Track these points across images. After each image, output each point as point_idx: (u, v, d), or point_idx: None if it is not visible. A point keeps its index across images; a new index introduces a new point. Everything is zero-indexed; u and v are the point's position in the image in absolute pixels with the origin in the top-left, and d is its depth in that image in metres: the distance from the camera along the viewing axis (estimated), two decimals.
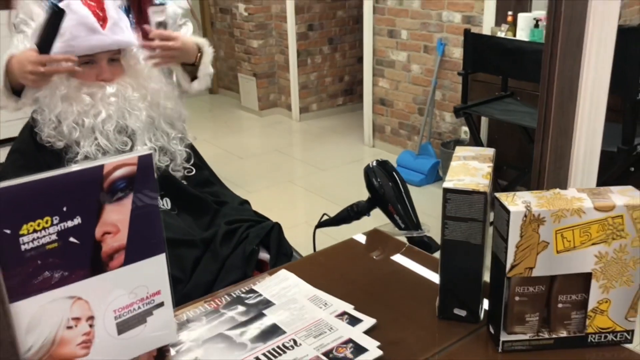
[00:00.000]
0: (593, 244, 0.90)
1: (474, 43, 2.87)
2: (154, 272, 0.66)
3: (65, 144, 1.49)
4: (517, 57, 2.67)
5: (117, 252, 0.63)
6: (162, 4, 1.60)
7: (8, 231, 0.55)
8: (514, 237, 0.90)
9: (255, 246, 1.49)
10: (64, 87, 1.49)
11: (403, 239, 1.39)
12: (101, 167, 0.58)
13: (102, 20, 1.52)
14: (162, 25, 1.56)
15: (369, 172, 1.44)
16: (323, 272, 1.22)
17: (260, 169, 4.32)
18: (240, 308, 1.07)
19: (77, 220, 0.59)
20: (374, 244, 1.34)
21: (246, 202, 1.79)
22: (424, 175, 3.86)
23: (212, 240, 1.50)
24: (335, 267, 1.24)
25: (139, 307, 0.67)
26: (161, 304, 0.68)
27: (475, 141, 2.94)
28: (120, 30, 1.54)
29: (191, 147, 1.74)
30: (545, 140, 0.97)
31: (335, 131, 5.06)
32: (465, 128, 3.76)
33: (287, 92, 5.35)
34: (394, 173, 1.45)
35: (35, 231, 0.57)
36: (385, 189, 1.41)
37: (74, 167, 0.58)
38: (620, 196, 0.91)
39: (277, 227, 1.56)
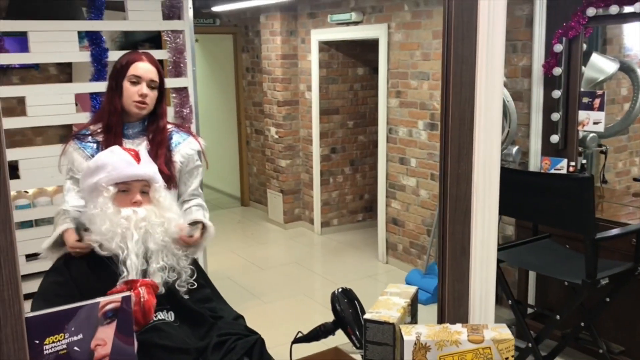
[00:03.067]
0: None
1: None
2: None
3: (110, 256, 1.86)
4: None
5: (104, 358, 0.96)
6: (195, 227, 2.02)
7: (37, 341, 0.89)
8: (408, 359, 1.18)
9: (239, 357, 1.78)
10: (107, 208, 1.88)
11: (358, 357, 1.66)
12: (98, 303, 0.94)
13: (137, 159, 1.95)
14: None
15: (333, 299, 1.74)
16: None
17: (278, 281, 4.62)
18: None
19: (80, 336, 0.94)
20: (332, 359, 1.62)
21: (240, 317, 2.09)
22: (430, 294, 4.08)
23: (205, 350, 1.81)
24: None
25: None
26: None
27: (505, 292, 2.76)
28: (151, 166, 1.97)
29: (196, 265, 2.07)
30: (444, 286, 1.28)
31: (353, 246, 5.37)
32: None
33: (311, 208, 5.76)
34: (355, 301, 1.75)
35: (53, 342, 0.91)
36: (346, 313, 1.71)
37: (81, 303, 0.93)
38: (491, 332, 1.19)
39: (260, 341, 1.86)
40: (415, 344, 1.17)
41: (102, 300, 0.94)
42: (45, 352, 0.91)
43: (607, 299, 2.70)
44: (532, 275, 3.40)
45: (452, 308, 1.30)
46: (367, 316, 1.26)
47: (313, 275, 4.83)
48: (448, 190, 1.28)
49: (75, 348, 0.93)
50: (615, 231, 2.53)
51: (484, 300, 1.31)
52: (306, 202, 5.86)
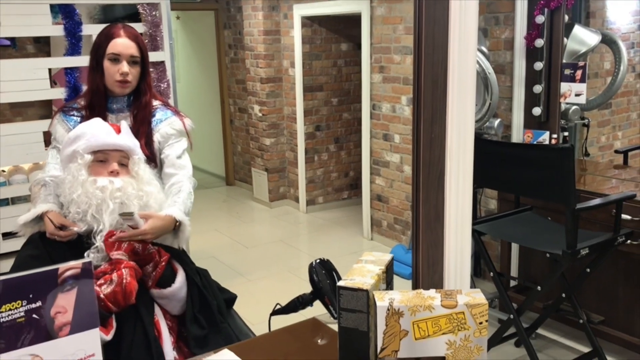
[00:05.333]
0: (443, 333, 1.17)
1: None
2: (90, 340, 0.96)
3: (86, 230, 1.81)
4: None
5: (65, 326, 0.94)
6: (130, 213, 1.79)
7: None
8: (381, 326, 1.17)
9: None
10: (79, 175, 1.83)
11: (336, 327, 1.65)
12: (57, 269, 0.91)
13: (118, 130, 1.91)
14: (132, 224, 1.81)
15: (311, 269, 1.73)
16: (261, 352, 1.49)
17: (263, 259, 4.62)
18: None
19: (39, 303, 0.91)
20: (310, 331, 1.61)
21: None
22: None
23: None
24: (272, 349, 1.51)
25: None
26: None
27: (487, 264, 2.81)
28: (131, 138, 1.93)
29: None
30: (418, 253, 1.26)
31: (338, 223, 5.37)
32: None
33: (296, 186, 5.73)
34: (333, 271, 1.73)
35: (10, 310, 0.89)
36: (323, 284, 1.69)
37: (39, 270, 0.90)
38: (465, 297, 1.18)
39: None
40: (388, 309, 1.16)
41: (60, 266, 0.92)
42: (1, 319, 0.89)
43: (588, 270, 2.72)
44: (514, 248, 3.42)
45: (427, 274, 1.29)
46: (340, 283, 1.25)
47: (298, 253, 4.82)
48: (421, 155, 1.26)
49: (34, 316, 0.91)
50: (595, 201, 2.53)
51: (459, 267, 1.30)
52: (291, 181, 5.83)
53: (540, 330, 3.15)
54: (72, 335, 0.94)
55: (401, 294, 1.19)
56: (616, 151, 3.70)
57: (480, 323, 1.17)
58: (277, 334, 1.59)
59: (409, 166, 4.38)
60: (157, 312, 1.82)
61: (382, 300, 1.18)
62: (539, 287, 2.59)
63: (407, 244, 4.31)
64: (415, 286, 1.32)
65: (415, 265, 1.29)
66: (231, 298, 2.10)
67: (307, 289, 1.77)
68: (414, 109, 1.28)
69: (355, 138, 5.72)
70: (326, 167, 5.70)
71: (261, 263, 4.51)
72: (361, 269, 1.32)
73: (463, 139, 1.29)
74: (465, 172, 1.30)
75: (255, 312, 2.42)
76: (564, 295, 2.79)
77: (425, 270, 1.28)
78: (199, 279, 1.92)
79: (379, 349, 1.17)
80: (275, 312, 1.83)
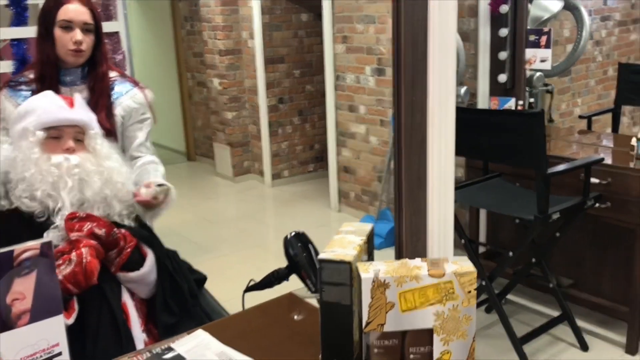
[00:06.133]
0: (431, 304, 1.12)
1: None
2: (53, 328, 0.87)
3: (41, 211, 1.69)
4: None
5: (24, 314, 0.85)
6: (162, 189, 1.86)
7: None
8: (366, 298, 1.11)
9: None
10: (31, 153, 1.70)
11: (313, 301, 1.60)
12: (12, 251, 0.81)
13: (71, 104, 1.79)
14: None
15: (286, 243, 1.66)
16: (236, 331, 1.42)
17: (230, 234, 4.53)
18: None
19: None
20: (286, 306, 1.55)
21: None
22: (382, 238, 4.08)
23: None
24: (248, 327, 1.45)
25: (41, 356, 0.88)
26: (59, 354, 0.90)
27: (458, 231, 2.80)
28: (86, 112, 1.81)
29: (141, 223, 1.94)
30: (401, 221, 1.21)
31: (305, 196, 5.31)
32: None
33: (260, 160, 5.63)
34: (309, 244, 1.67)
35: None
36: (299, 257, 1.63)
37: None
38: (452, 265, 1.14)
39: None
40: (373, 281, 1.10)
41: (16, 248, 0.82)
42: None
43: (557, 234, 2.74)
44: (482, 215, 3.43)
45: (410, 243, 1.24)
46: (321, 256, 1.19)
47: (266, 228, 4.75)
48: (402, 120, 1.19)
49: None
50: (564, 166, 2.53)
51: (443, 234, 1.25)
52: (255, 155, 5.72)
53: (509, 296, 3.18)
54: (33, 324, 0.85)
55: (386, 265, 1.14)
56: (580, 116, 3.73)
57: (469, 292, 1.13)
58: (252, 311, 1.52)
59: (375, 137, 4.33)
60: (124, 293, 1.72)
61: (367, 271, 1.12)
62: (510, 253, 2.59)
63: (376, 215, 4.28)
64: (398, 256, 1.27)
65: (398, 234, 1.24)
66: (201, 279, 2.02)
67: (276, 263, 1.71)
68: (394, 72, 1.21)
69: (320, 110, 5.64)
70: (291, 140, 5.61)
71: (228, 239, 4.43)
72: (342, 240, 1.26)
73: (445, 103, 1.23)
74: (448, 136, 1.24)
75: (226, 289, 2.34)
76: (534, 260, 2.81)
77: (409, 239, 1.23)
78: (169, 263, 1.83)
79: (364, 323, 1.12)
80: (249, 289, 1.76)
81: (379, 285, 1.11)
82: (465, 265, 1.14)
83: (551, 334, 2.91)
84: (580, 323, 2.86)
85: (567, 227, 2.67)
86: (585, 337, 2.82)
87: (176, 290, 1.80)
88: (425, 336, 1.14)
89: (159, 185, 1.87)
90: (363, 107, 4.37)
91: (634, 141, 2.69)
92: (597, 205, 2.61)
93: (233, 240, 4.40)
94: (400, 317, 1.12)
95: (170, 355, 1.29)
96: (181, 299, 1.81)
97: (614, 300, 2.86)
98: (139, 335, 1.68)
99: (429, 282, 1.11)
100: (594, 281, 2.97)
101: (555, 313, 2.93)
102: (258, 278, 1.69)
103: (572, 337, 2.83)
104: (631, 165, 2.61)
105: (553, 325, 2.87)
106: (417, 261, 1.15)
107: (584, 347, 2.79)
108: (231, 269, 3.85)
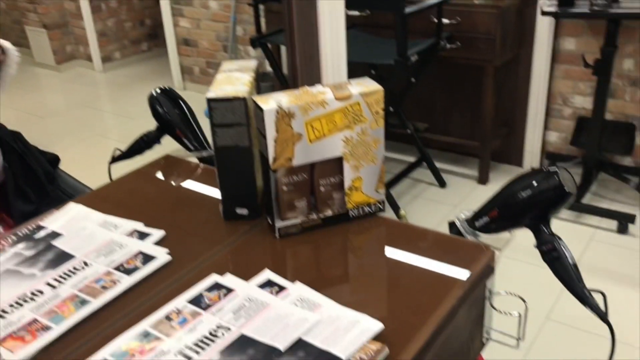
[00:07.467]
0: (339, 130, 1.04)
1: None
2: None
3: None
4: None
5: None
6: None
7: None
8: (271, 133, 1.00)
9: None
10: None
11: (194, 159, 1.45)
12: None
13: None
14: None
15: (152, 101, 1.47)
16: (114, 200, 1.25)
17: (65, 127, 4.08)
18: (27, 244, 1.07)
19: None
20: (165, 169, 1.39)
21: None
22: None
23: None
24: (127, 194, 1.28)
25: None
26: None
27: (275, 71, 3.04)
28: None
29: None
30: (293, 46, 1.08)
31: (143, 78, 4.90)
32: None
33: (85, 42, 5.03)
34: (179, 99, 1.49)
35: None
36: (171, 114, 1.46)
37: None
38: (357, 86, 1.05)
39: None
40: (277, 112, 0.99)
41: None
42: None
43: (413, 80, 2.79)
44: None
45: (305, 71, 1.12)
46: (210, 95, 1.03)
47: (104, 115, 4.35)
48: None
49: None
50: (419, 6, 2.52)
51: (337, 57, 1.15)
52: (78, 37, 5.09)
53: None
54: None
55: (287, 95, 1.02)
56: None
57: (377, 112, 1.07)
58: (130, 178, 1.34)
59: (214, 1, 4.01)
60: None
61: (267, 103, 1.00)
62: None
63: None
64: (294, 86, 1.15)
65: (291, 62, 1.12)
66: (54, 158, 1.77)
67: (120, 149, 1.54)
68: None
69: None
70: (117, 17, 5.04)
71: (64, 132, 3.99)
72: (229, 78, 1.11)
73: None
74: None
75: (81, 177, 2.09)
76: (391, 109, 2.86)
77: (303, 66, 1.12)
78: (16, 144, 1.56)
79: (270, 159, 1.02)
80: (115, 159, 1.57)
81: (284, 116, 0.99)
82: (370, 85, 1.06)
83: (411, 177, 3.07)
84: (437, 164, 3.03)
85: (422, 72, 2.73)
86: (443, 175, 3.01)
87: (29, 175, 1.56)
88: (335, 166, 1.07)
89: None
90: None
91: None
92: (448, 46, 2.67)
93: (70, 132, 3.98)
94: (309, 148, 1.03)
95: (43, 233, 1.10)
96: (37, 184, 1.57)
97: (465, 138, 3.06)
98: None
99: (336, 107, 1.02)
100: (444, 122, 3.14)
101: (413, 158, 3.07)
102: (105, 166, 1.50)
103: (431, 177, 3.01)
104: (476, 1, 2.68)
105: (413, 169, 3.03)
106: (319, 87, 1.05)
107: (442, 183, 2.99)
108: (74, 162, 3.49)
